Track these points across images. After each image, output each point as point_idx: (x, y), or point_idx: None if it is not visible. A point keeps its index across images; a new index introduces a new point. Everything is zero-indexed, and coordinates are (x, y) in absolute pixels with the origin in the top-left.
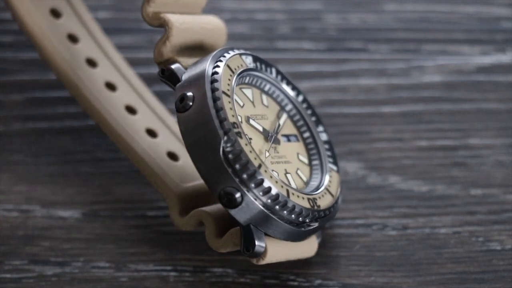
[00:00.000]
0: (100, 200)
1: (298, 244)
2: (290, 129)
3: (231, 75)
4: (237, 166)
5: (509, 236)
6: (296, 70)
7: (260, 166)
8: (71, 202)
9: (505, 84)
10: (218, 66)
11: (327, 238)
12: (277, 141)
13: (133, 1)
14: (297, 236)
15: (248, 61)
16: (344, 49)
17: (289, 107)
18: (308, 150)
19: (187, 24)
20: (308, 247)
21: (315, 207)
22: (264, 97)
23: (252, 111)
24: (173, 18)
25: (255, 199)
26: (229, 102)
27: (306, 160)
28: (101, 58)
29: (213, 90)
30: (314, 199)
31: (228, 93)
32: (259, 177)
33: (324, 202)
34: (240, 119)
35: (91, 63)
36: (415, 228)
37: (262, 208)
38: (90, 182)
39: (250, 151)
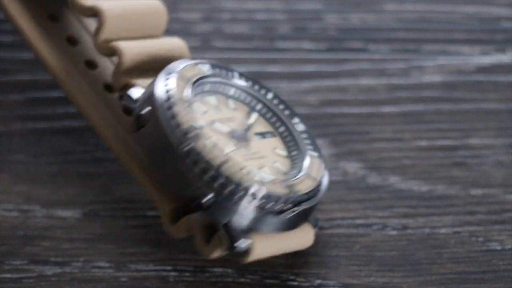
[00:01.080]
0: (100, 200)
1: (290, 236)
2: (264, 126)
3: (185, 85)
4: (197, 169)
5: (509, 236)
6: (296, 70)
7: (223, 163)
8: (71, 202)
9: (505, 84)
10: (168, 78)
11: (327, 238)
12: (247, 139)
13: None
14: (284, 225)
15: (205, 68)
16: (344, 49)
17: (259, 106)
18: (286, 143)
19: (140, 48)
20: (302, 237)
21: (293, 192)
22: (231, 101)
23: (217, 116)
24: (124, 45)
25: (227, 197)
26: (184, 109)
27: (284, 153)
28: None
29: (166, 100)
30: (292, 185)
31: (182, 102)
32: (224, 175)
33: (304, 186)
34: (201, 124)
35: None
36: (415, 228)
37: (235, 204)
38: (90, 182)
39: (211, 151)
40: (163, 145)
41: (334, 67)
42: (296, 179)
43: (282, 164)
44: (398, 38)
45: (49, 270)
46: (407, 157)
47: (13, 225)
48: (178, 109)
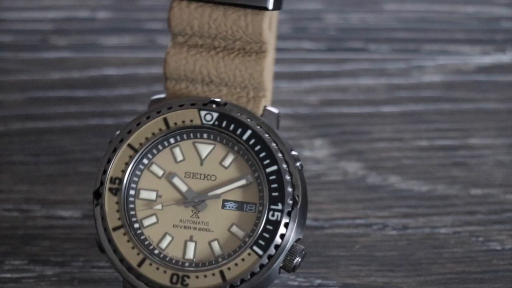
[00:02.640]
0: None
1: None
2: (238, 195)
3: (160, 129)
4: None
5: (509, 236)
6: (296, 70)
7: (117, 228)
8: (71, 202)
9: (505, 84)
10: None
11: (327, 238)
12: (198, 206)
13: (133, 1)
14: None
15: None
16: (344, 49)
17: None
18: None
19: None
20: None
21: (178, 285)
22: (230, 158)
23: (190, 169)
24: None
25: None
26: (130, 156)
27: (241, 234)
28: None
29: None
30: (184, 276)
31: (135, 145)
32: (111, 241)
33: (201, 283)
34: (159, 174)
35: None
36: (415, 228)
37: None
38: (91, 181)
39: (117, 211)
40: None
41: (334, 67)
42: (202, 270)
43: (224, 245)
44: (398, 38)
45: (49, 270)
46: (407, 157)
47: (13, 225)
48: (120, 154)
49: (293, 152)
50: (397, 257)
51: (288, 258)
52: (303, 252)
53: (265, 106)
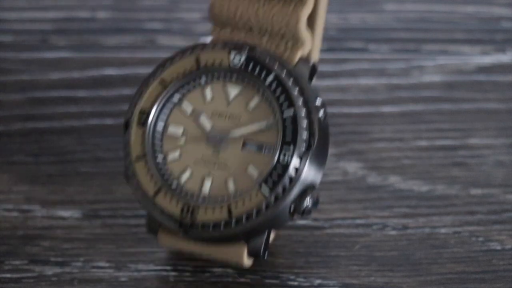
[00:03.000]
0: (100, 200)
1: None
2: (264, 137)
3: (191, 67)
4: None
5: (509, 236)
6: None
7: (139, 157)
8: (71, 202)
9: (505, 84)
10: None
11: (327, 238)
12: (219, 145)
13: (133, 1)
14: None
15: (239, 58)
16: (344, 49)
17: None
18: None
19: None
20: (226, 252)
21: (185, 218)
22: (255, 101)
23: (217, 108)
24: None
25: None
26: (161, 91)
27: (255, 174)
28: None
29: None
30: (195, 208)
31: (166, 81)
32: (131, 170)
33: (207, 216)
34: (188, 111)
35: None
36: (415, 228)
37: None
38: (90, 182)
39: (142, 141)
40: None
41: (334, 67)
42: (208, 204)
43: (239, 183)
44: (398, 38)
45: (49, 270)
46: (407, 157)
47: (13, 225)
48: (150, 89)
49: (318, 101)
50: (397, 257)
51: (298, 200)
52: (316, 197)
53: (301, 57)
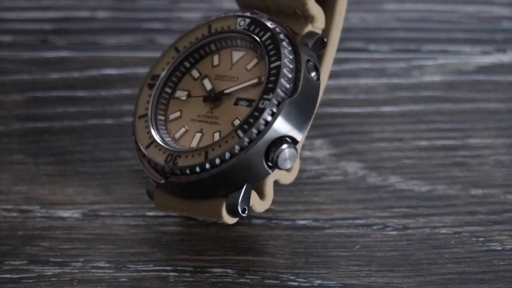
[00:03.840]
0: (100, 200)
1: (191, 202)
2: (254, 94)
3: (203, 34)
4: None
5: (509, 236)
6: None
7: (142, 116)
8: (71, 202)
9: (506, 84)
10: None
11: (327, 238)
12: (214, 103)
13: (133, 1)
14: (167, 190)
15: (243, 23)
16: (344, 49)
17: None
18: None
19: None
20: (205, 208)
21: (169, 163)
22: (254, 62)
23: (221, 72)
24: None
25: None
26: (173, 57)
27: (237, 122)
28: None
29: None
30: (177, 156)
31: (179, 48)
32: (135, 126)
33: (188, 161)
34: (195, 76)
35: None
36: (415, 228)
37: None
38: (90, 182)
39: (147, 102)
40: None
41: (334, 67)
42: (191, 151)
43: (223, 134)
44: (398, 38)
45: (49, 270)
46: (407, 157)
47: (13, 225)
48: (166, 56)
49: (311, 62)
50: (397, 257)
51: (273, 148)
52: (292, 148)
53: (310, 30)
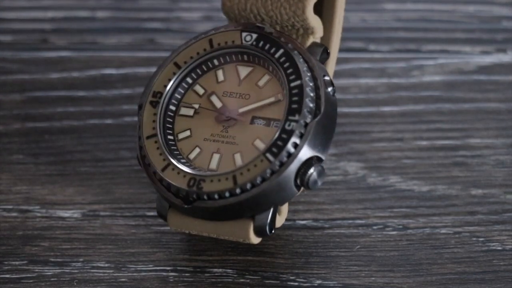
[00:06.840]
0: (100, 200)
1: (217, 224)
2: (272, 112)
3: (205, 49)
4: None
5: (509, 236)
6: None
7: (150, 136)
8: (71, 202)
9: (506, 84)
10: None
11: (327, 238)
12: (228, 122)
13: (132, 1)
14: (185, 211)
15: (249, 38)
16: (344, 49)
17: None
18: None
19: None
20: (232, 230)
21: (193, 188)
22: (266, 78)
23: (228, 88)
24: None
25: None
26: (174, 73)
27: (262, 146)
28: None
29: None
30: (201, 180)
31: (180, 63)
32: (143, 147)
33: (213, 186)
34: (200, 93)
35: None
36: (415, 228)
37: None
38: (90, 182)
39: (153, 121)
40: None
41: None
42: (213, 175)
43: (246, 156)
44: (398, 38)
45: (49, 270)
46: (408, 157)
47: (13, 225)
48: (165, 70)
49: (326, 78)
50: (398, 257)
51: (302, 170)
52: (321, 168)
53: (313, 42)
